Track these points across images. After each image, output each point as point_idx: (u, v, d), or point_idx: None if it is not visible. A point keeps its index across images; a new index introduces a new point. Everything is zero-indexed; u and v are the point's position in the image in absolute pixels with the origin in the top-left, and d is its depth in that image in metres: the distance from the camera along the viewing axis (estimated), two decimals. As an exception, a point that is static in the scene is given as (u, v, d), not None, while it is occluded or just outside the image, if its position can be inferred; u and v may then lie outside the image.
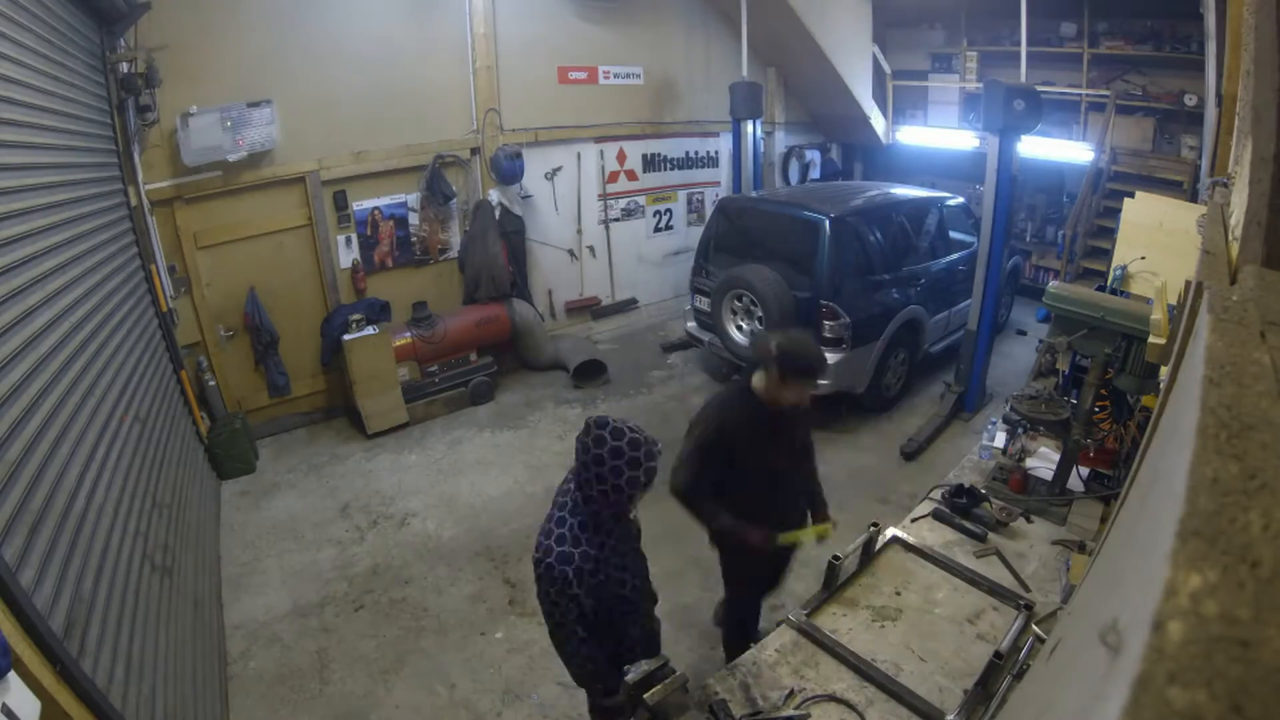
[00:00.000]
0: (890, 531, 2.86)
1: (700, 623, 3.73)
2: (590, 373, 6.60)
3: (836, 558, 2.58)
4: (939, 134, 8.74)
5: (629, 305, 8.23)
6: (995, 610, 2.50)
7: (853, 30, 7.93)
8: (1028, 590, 2.57)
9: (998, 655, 2.16)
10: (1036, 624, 2.37)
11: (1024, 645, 2.29)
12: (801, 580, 3.66)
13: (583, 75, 7.18)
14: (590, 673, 2.18)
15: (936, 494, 3.15)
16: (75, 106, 3.70)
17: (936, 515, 2.99)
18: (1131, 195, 4.50)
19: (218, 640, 3.63)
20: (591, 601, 2.07)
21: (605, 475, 1.97)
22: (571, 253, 7.60)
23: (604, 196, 7.70)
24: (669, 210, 8.35)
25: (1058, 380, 3.73)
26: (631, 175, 7.90)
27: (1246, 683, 0.36)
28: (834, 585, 2.60)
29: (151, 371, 4.10)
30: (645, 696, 1.99)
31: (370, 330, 5.67)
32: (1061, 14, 7.40)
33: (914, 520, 2.99)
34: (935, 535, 2.91)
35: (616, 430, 1.97)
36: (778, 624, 2.52)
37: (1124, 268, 3.96)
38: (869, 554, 2.74)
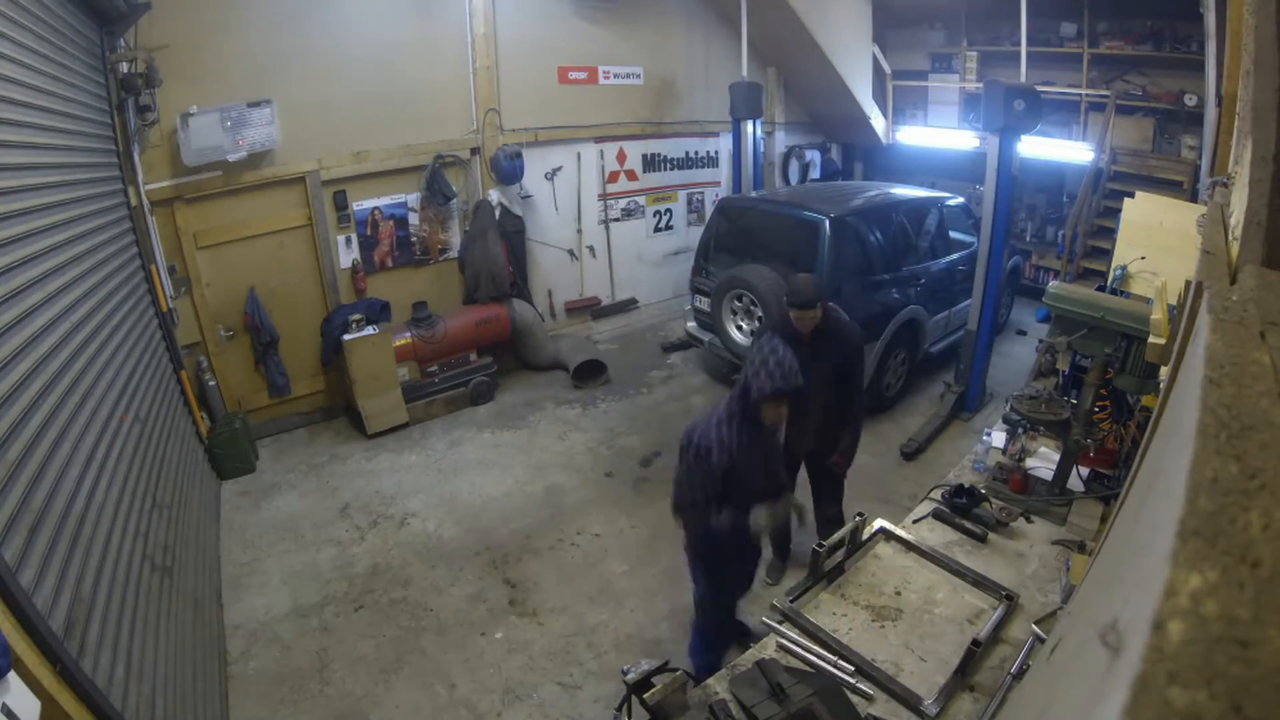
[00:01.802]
0: (878, 523, 2.90)
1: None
2: (590, 373, 6.60)
3: (820, 545, 2.63)
4: (939, 134, 8.74)
5: (629, 305, 8.23)
6: (995, 610, 2.50)
7: (853, 30, 7.93)
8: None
9: (975, 643, 2.21)
10: (1036, 624, 2.37)
11: (1005, 636, 2.32)
12: (795, 578, 3.66)
13: (583, 75, 7.18)
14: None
15: (936, 494, 3.15)
16: (75, 106, 3.70)
17: (936, 515, 2.99)
18: (1131, 195, 4.49)
19: (218, 640, 3.63)
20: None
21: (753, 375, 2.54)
22: (571, 253, 7.60)
23: (604, 196, 7.70)
24: (669, 210, 8.35)
25: (1058, 380, 3.73)
26: (631, 175, 7.90)
27: (1246, 683, 0.36)
28: (819, 573, 2.63)
29: (151, 371, 4.10)
30: (645, 696, 1.99)
31: (370, 330, 5.67)
32: (1061, 14, 7.40)
33: (915, 521, 2.99)
34: (935, 535, 2.91)
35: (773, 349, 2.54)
36: (763, 620, 2.54)
37: (1124, 268, 3.95)
38: (855, 543, 2.76)
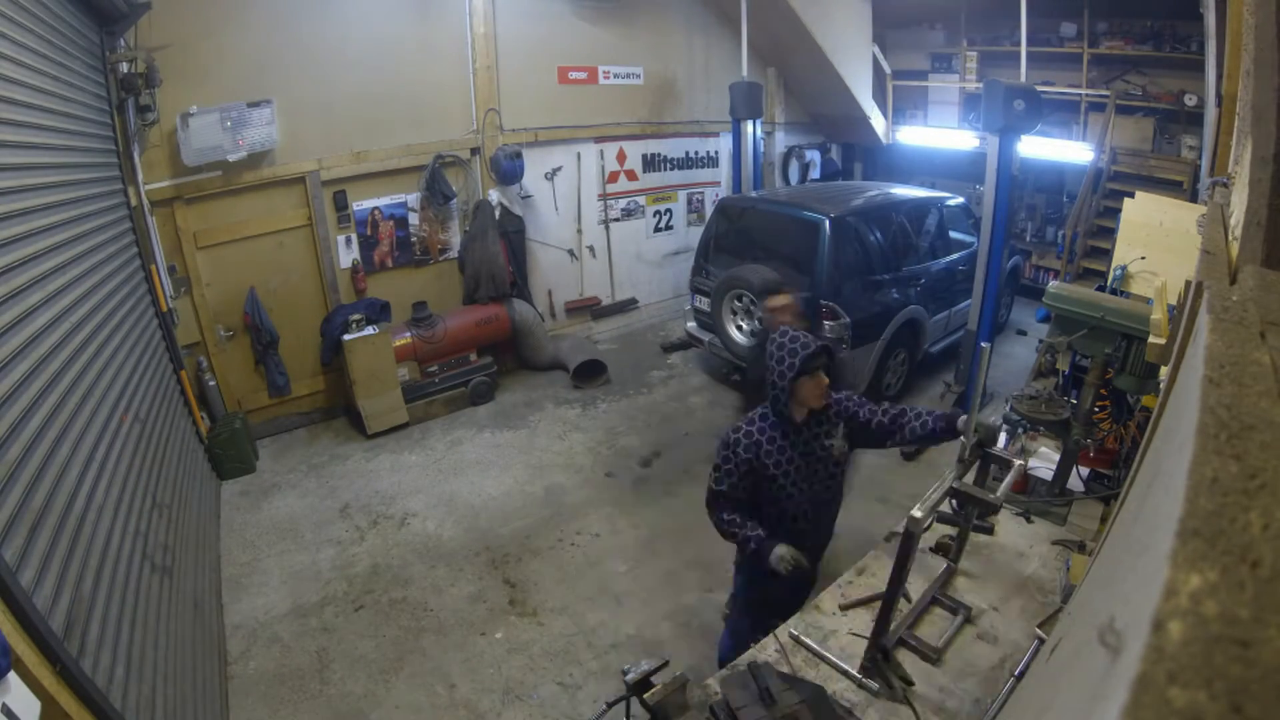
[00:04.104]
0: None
1: (700, 624, 3.73)
2: (590, 373, 6.60)
3: None
4: (939, 134, 8.74)
5: (629, 305, 8.23)
6: (995, 611, 2.50)
7: (853, 30, 7.93)
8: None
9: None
10: (1037, 624, 2.37)
11: (1005, 636, 2.31)
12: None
13: (583, 75, 7.18)
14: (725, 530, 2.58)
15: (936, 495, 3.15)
16: (75, 106, 3.70)
17: (940, 518, 2.98)
18: (1131, 195, 4.49)
19: (218, 640, 3.63)
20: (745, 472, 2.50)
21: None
22: (571, 253, 7.60)
23: (604, 196, 7.70)
24: (669, 210, 8.35)
25: (1058, 380, 3.73)
26: (631, 175, 7.90)
27: (1246, 683, 0.36)
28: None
29: (151, 371, 4.10)
30: (645, 696, 1.99)
31: (370, 330, 5.67)
32: (1061, 14, 7.40)
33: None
34: (937, 534, 2.90)
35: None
36: (791, 633, 2.52)
37: (1124, 268, 3.95)
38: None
